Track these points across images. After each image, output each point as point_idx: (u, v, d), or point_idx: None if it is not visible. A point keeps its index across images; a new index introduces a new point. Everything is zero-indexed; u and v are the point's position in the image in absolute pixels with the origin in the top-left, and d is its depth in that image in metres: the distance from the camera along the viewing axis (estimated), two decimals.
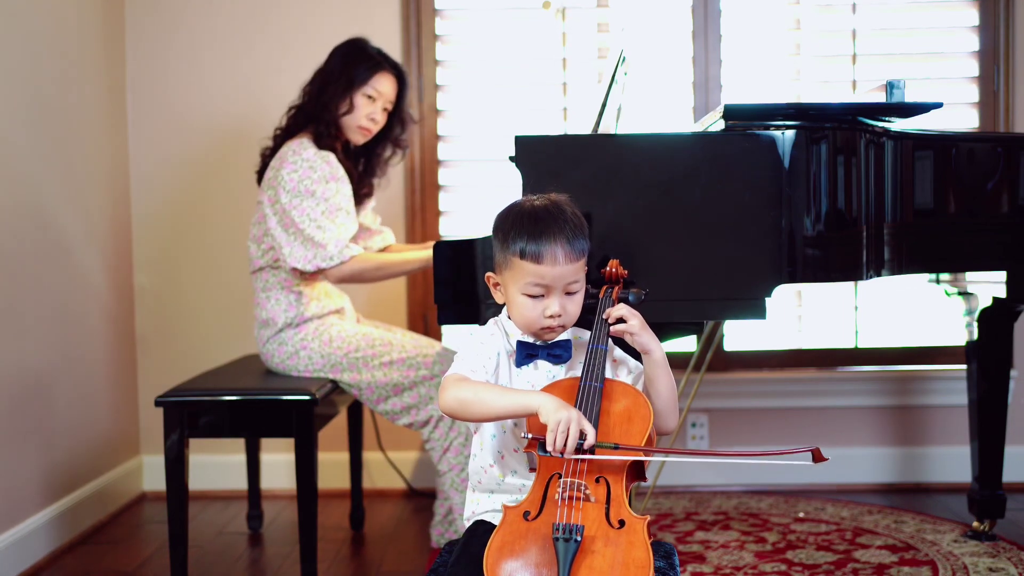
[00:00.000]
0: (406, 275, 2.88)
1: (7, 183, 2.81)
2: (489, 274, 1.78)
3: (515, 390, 1.70)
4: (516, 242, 1.68)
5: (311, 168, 2.76)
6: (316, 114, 2.86)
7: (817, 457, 1.54)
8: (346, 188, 2.81)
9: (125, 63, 3.58)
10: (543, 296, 1.69)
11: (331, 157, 2.81)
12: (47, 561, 2.92)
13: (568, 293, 1.70)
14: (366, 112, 2.89)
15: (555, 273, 1.67)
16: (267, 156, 2.95)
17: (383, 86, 2.89)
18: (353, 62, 2.88)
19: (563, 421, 1.55)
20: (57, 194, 3.09)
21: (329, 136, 2.86)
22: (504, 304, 1.78)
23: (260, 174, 2.96)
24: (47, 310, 3.00)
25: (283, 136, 2.91)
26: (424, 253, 2.86)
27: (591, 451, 1.57)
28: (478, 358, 1.72)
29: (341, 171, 2.81)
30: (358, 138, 2.93)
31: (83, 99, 3.28)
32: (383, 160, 3.03)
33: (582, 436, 1.56)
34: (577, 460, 1.58)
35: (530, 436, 1.60)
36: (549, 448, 1.56)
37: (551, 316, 1.69)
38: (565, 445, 1.54)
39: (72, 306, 3.17)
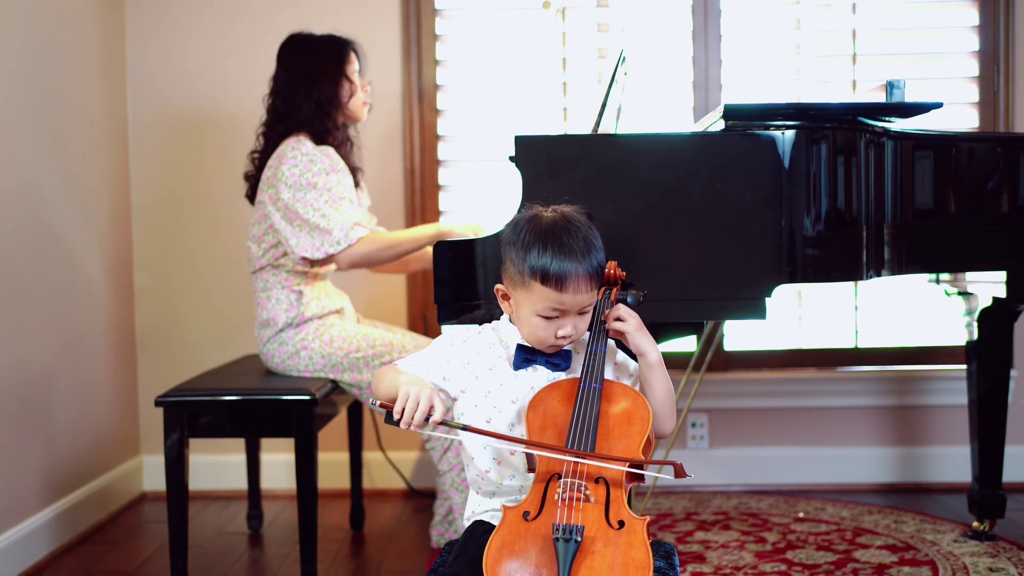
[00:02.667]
0: (417, 250, 2.88)
1: (7, 183, 2.81)
2: (498, 286, 1.75)
3: (402, 372, 1.73)
4: (537, 265, 1.65)
5: (311, 162, 2.76)
6: (312, 116, 2.82)
7: (679, 472, 1.56)
8: (347, 179, 2.81)
9: (125, 62, 3.58)
10: (557, 317, 1.68)
11: (330, 151, 2.80)
12: (47, 561, 2.92)
13: (581, 313, 1.70)
14: (360, 85, 2.92)
15: (575, 300, 1.66)
16: (251, 177, 2.94)
17: (354, 61, 2.93)
18: (326, 50, 2.88)
19: (412, 394, 1.60)
20: (57, 194, 3.09)
21: (337, 129, 2.86)
22: (506, 313, 1.78)
23: (250, 197, 2.95)
24: (47, 310, 3.00)
25: (263, 156, 2.88)
26: (432, 229, 2.87)
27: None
28: (426, 359, 1.76)
29: (341, 163, 2.81)
30: (363, 114, 2.96)
31: (83, 98, 3.28)
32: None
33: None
34: (577, 462, 1.58)
35: (378, 403, 1.64)
36: (395, 416, 1.61)
37: (563, 336, 1.69)
38: (412, 417, 1.60)
39: (72, 306, 3.17)
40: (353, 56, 2.91)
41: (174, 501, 2.50)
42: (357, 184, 2.96)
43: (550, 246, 1.65)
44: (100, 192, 3.38)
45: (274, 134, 2.86)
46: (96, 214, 3.34)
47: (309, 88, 2.83)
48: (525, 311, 1.69)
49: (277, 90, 2.88)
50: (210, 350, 3.52)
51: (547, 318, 1.67)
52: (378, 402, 1.64)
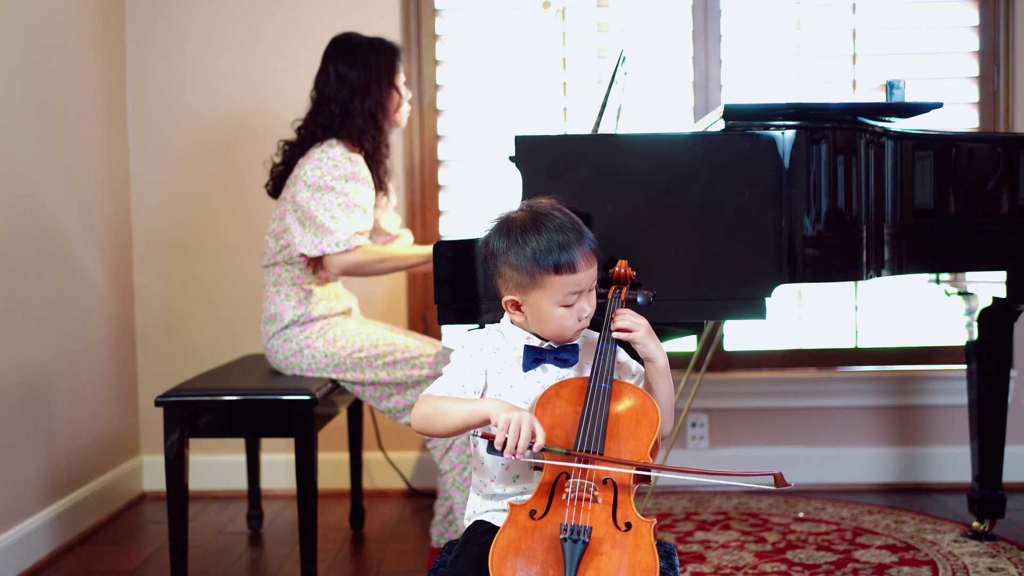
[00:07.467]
0: (408, 269, 2.88)
1: (7, 182, 2.81)
2: (508, 299, 1.73)
3: (469, 400, 1.68)
4: (546, 260, 1.66)
5: (334, 166, 2.77)
6: (364, 128, 2.83)
7: (779, 482, 1.54)
8: (367, 190, 2.81)
9: (125, 63, 3.58)
10: (576, 301, 1.70)
11: (358, 159, 2.81)
12: (47, 561, 2.92)
13: (590, 290, 1.72)
14: (407, 96, 2.95)
15: (588, 275, 1.69)
16: (277, 168, 2.93)
17: (401, 70, 2.93)
18: (379, 59, 2.87)
19: (513, 421, 1.56)
20: (57, 194, 3.09)
21: (383, 139, 2.87)
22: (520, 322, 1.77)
23: (273, 192, 2.95)
24: (47, 310, 3.00)
25: (295, 151, 2.87)
26: (427, 249, 2.86)
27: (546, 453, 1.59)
28: (457, 379, 1.72)
29: (365, 172, 2.81)
30: (404, 121, 2.98)
31: (83, 98, 3.28)
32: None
33: (533, 437, 1.56)
34: (581, 465, 1.58)
35: (480, 434, 1.60)
36: (497, 447, 1.56)
37: (584, 319, 1.71)
38: (516, 446, 1.55)
39: (72, 305, 3.16)
40: (400, 65, 2.92)
41: (174, 501, 2.50)
42: (384, 188, 2.95)
43: (545, 235, 1.67)
44: (100, 192, 3.38)
45: (317, 134, 2.84)
46: (96, 214, 3.34)
47: (363, 100, 2.83)
48: (547, 307, 1.69)
49: (329, 94, 2.85)
50: (210, 350, 3.51)
51: (569, 306, 1.69)
52: (480, 432, 1.60)
